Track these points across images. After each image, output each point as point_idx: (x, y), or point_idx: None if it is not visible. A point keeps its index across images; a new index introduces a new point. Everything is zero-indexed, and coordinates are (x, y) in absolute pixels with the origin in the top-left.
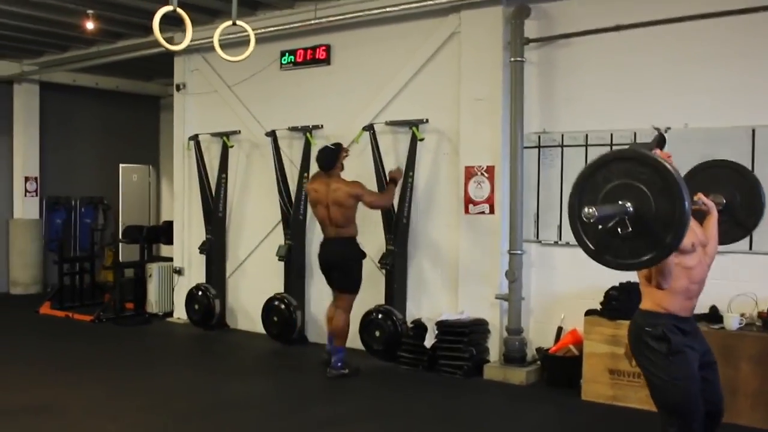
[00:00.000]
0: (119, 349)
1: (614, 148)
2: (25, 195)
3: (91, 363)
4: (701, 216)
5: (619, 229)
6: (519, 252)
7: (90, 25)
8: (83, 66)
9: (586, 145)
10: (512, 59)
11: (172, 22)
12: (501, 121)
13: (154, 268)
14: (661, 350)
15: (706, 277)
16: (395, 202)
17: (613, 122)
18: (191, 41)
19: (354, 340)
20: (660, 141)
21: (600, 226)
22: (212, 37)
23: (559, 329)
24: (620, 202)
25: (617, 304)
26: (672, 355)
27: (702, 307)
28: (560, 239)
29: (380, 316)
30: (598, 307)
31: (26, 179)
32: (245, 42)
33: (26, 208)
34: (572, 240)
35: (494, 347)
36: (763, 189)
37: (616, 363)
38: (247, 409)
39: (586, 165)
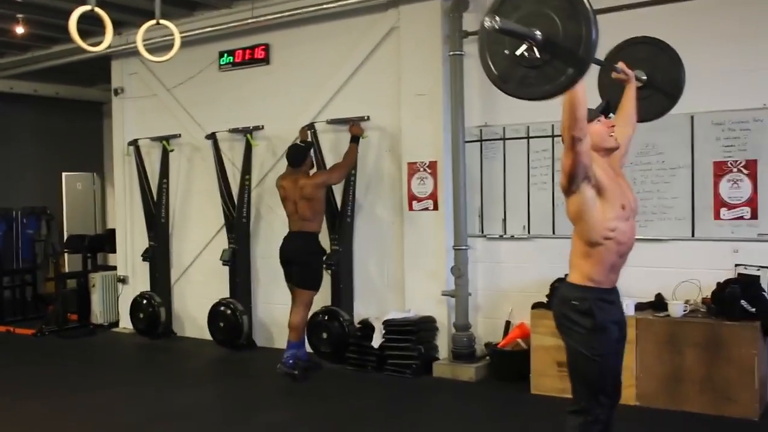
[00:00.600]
0: (60, 364)
1: (556, 139)
2: None
3: (29, 381)
4: (621, 90)
5: (525, 54)
6: (464, 247)
7: (20, 30)
8: (18, 72)
9: (528, 138)
10: (451, 53)
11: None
12: (442, 116)
13: (97, 278)
14: (585, 325)
15: (632, 246)
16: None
17: (554, 113)
18: (128, 44)
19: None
20: (605, 108)
21: (506, 51)
22: (153, 39)
23: (507, 323)
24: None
25: None
26: (595, 332)
27: (647, 294)
28: (505, 233)
29: (326, 317)
30: (545, 299)
31: None
32: (185, 43)
33: None
34: (517, 233)
35: (443, 344)
36: (682, 61)
37: (563, 356)
38: (189, 419)
39: None
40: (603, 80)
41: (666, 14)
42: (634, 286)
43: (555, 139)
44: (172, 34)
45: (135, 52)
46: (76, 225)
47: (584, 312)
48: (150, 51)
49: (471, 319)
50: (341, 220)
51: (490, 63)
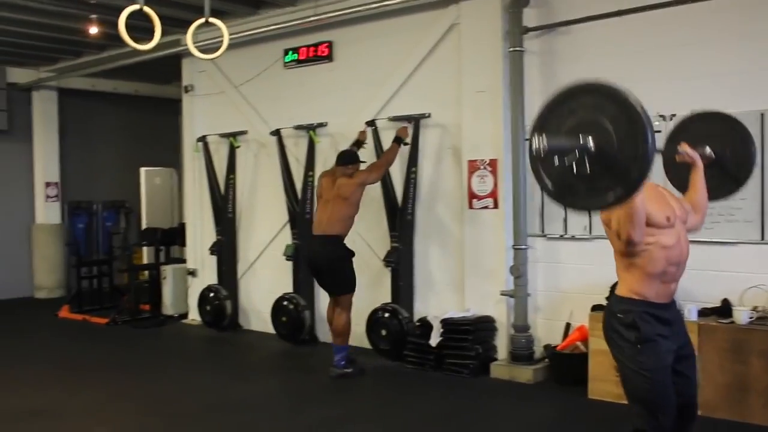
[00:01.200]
0: (128, 352)
1: None
2: (47, 200)
3: (97, 366)
4: (686, 170)
5: (575, 167)
6: (523, 247)
7: (93, 30)
8: (95, 71)
9: None
10: (511, 49)
11: (174, 24)
12: (502, 113)
13: (168, 270)
14: (630, 339)
15: (687, 257)
16: (399, 195)
17: None
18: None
19: (362, 339)
20: None
21: (557, 163)
22: (220, 37)
23: (567, 325)
24: (580, 135)
25: None
26: (641, 343)
27: (713, 299)
28: (566, 233)
29: (386, 314)
30: (605, 302)
31: (47, 185)
32: (251, 41)
33: (48, 213)
34: (579, 233)
35: (502, 345)
36: (753, 140)
37: None
38: (245, 411)
39: (550, 98)
40: (667, 155)
41: (731, 7)
42: (699, 290)
43: None
44: (239, 33)
45: (205, 50)
46: (155, 219)
47: (629, 325)
48: (215, 50)
49: (530, 320)
50: (402, 217)
51: (545, 178)
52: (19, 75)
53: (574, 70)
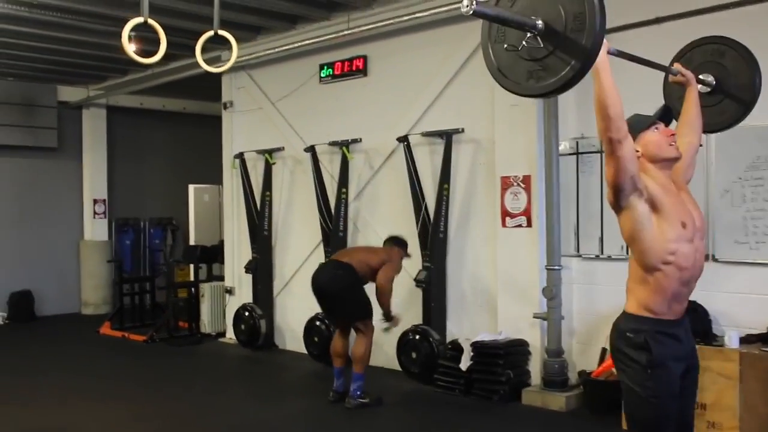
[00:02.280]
0: (159, 371)
1: None
2: (94, 217)
3: (126, 384)
4: (680, 91)
5: (525, 44)
6: (557, 267)
7: (132, 48)
8: (140, 88)
9: None
10: None
11: (218, 41)
12: (536, 127)
13: (206, 288)
14: (641, 361)
15: (700, 275)
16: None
17: None
18: (238, 58)
19: (392, 362)
20: (663, 114)
21: (506, 46)
22: (258, 53)
23: (603, 350)
24: (533, 17)
25: None
26: (652, 368)
27: (758, 325)
28: (602, 253)
29: (416, 336)
30: None
31: (95, 201)
32: (288, 56)
33: (95, 230)
34: (615, 254)
35: (535, 370)
36: (756, 60)
37: None
38: None
39: None
40: (669, 89)
41: None
42: (742, 315)
43: None
44: (274, 49)
45: (243, 67)
46: (203, 236)
47: (639, 346)
48: (256, 65)
49: (564, 345)
50: (433, 236)
51: (491, 54)
52: (69, 93)
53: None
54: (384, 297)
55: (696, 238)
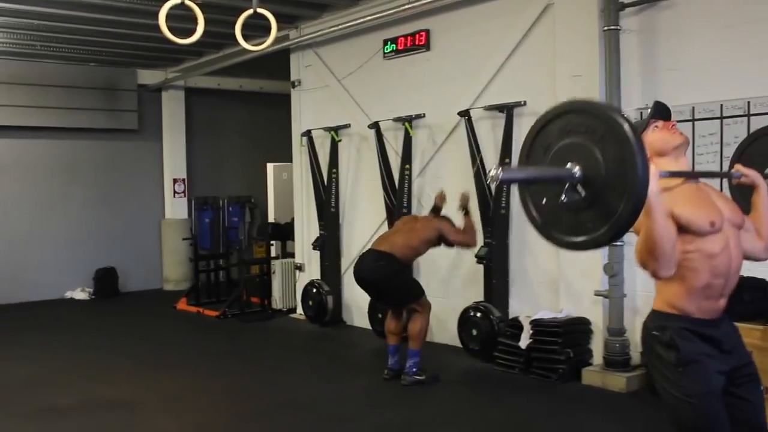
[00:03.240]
0: (225, 346)
1: (725, 121)
2: (174, 196)
3: (190, 359)
4: (746, 191)
5: (564, 199)
6: (619, 243)
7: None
8: (214, 69)
9: (693, 120)
10: (605, 28)
11: (285, 20)
12: (599, 99)
13: (277, 265)
14: (670, 359)
15: (739, 268)
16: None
17: (724, 92)
18: (301, 37)
19: (455, 339)
20: (656, 111)
21: (545, 199)
22: (324, 30)
23: None
24: (568, 165)
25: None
26: (682, 365)
27: None
28: None
29: (477, 314)
30: None
31: (174, 181)
32: (353, 33)
33: (175, 208)
34: None
35: (597, 350)
36: None
37: None
38: (311, 411)
39: (535, 121)
40: (737, 191)
41: None
42: None
43: (723, 121)
44: (342, 25)
45: (310, 44)
46: (282, 214)
47: (666, 344)
48: (323, 43)
49: (627, 323)
50: (495, 212)
51: (533, 210)
52: (148, 77)
53: (677, 49)
54: (467, 238)
55: (726, 226)
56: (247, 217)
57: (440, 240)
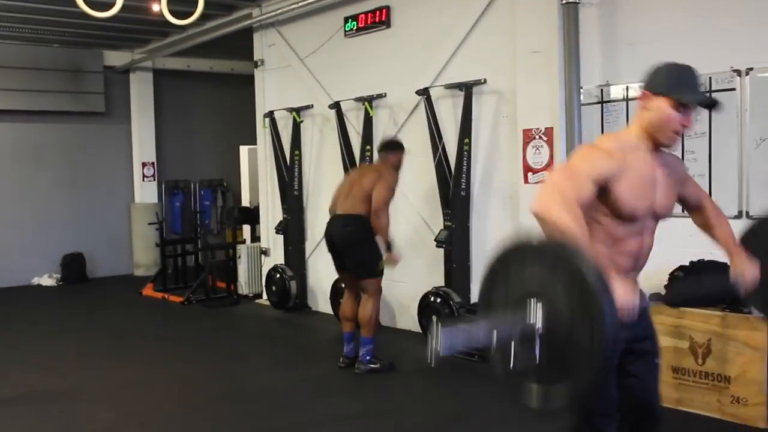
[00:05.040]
0: (184, 332)
1: None
2: (143, 180)
3: (145, 346)
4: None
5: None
6: None
7: (155, 8)
8: (179, 49)
9: None
10: (564, 1)
11: None
12: (558, 76)
13: (243, 250)
14: None
15: (649, 251)
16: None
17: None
18: (262, 15)
19: (417, 324)
20: (709, 103)
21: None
22: (285, 8)
23: None
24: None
25: (682, 287)
26: None
27: None
28: None
29: (437, 299)
30: (663, 290)
31: (143, 165)
32: (315, 11)
33: (145, 192)
34: None
35: None
36: None
37: (679, 359)
38: (259, 401)
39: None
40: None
41: None
42: None
43: None
44: (301, 2)
45: (273, 23)
46: (256, 197)
47: None
48: (285, 21)
49: None
50: (455, 193)
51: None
52: (115, 58)
53: (637, 20)
54: (379, 221)
55: (648, 216)
56: (219, 201)
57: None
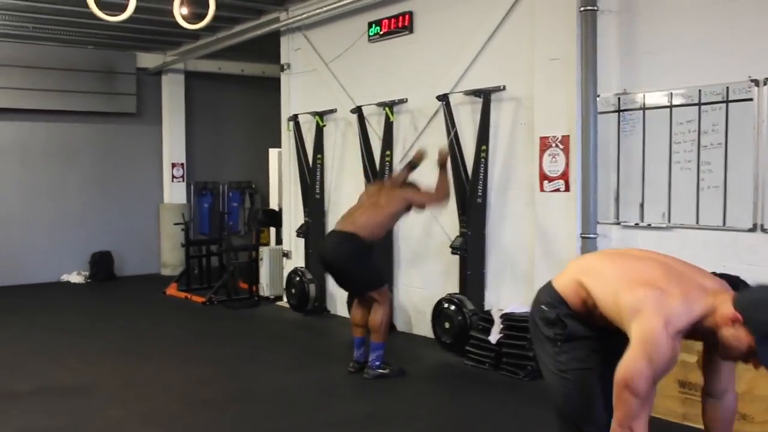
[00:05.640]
0: (202, 333)
1: (702, 108)
2: (173, 181)
3: (161, 346)
4: None
5: None
6: (592, 236)
7: (184, 11)
8: (209, 52)
9: (671, 107)
10: (582, 8)
11: (275, 2)
12: (576, 83)
13: (265, 252)
14: (548, 335)
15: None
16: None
17: (702, 77)
18: (289, 19)
19: (429, 330)
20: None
21: None
22: (311, 12)
23: None
24: None
25: None
26: (564, 341)
27: None
28: (642, 221)
29: (451, 306)
30: None
31: (173, 165)
32: (340, 16)
33: (173, 193)
34: (656, 221)
35: None
36: None
37: (686, 374)
38: (268, 402)
39: None
40: None
41: None
42: None
43: (701, 108)
44: (326, 7)
45: (300, 27)
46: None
47: (549, 321)
48: (312, 26)
49: None
50: (471, 200)
51: None
52: (147, 60)
53: (656, 28)
54: (439, 197)
55: None
56: (247, 203)
57: (409, 208)
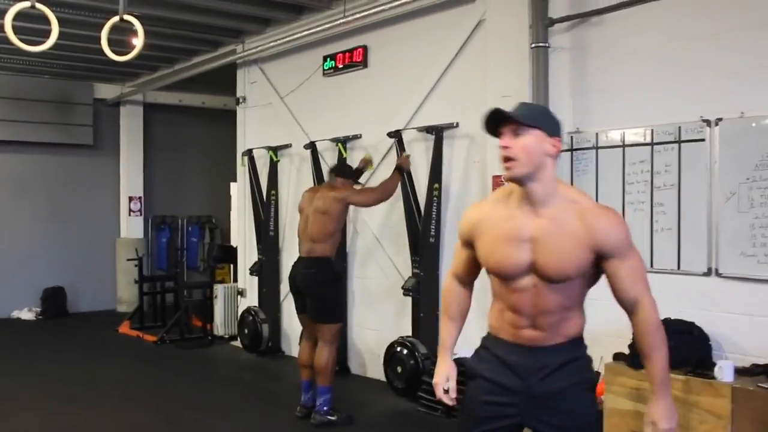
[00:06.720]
0: (147, 375)
1: (655, 148)
2: (129, 214)
3: (101, 389)
4: None
5: None
6: None
7: (135, 41)
8: (167, 83)
9: (623, 146)
10: (533, 45)
11: (231, 35)
12: None
13: (219, 290)
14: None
15: (550, 309)
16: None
17: (655, 116)
18: (245, 52)
19: (383, 373)
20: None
21: None
22: (266, 45)
23: (597, 375)
24: None
25: None
26: (467, 378)
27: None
28: None
29: (403, 350)
30: (627, 349)
31: (130, 199)
32: (295, 49)
33: (130, 227)
34: None
35: None
36: None
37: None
38: None
39: None
40: None
41: None
42: (749, 341)
43: (654, 147)
44: (281, 40)
45: (256, 60)
46: None
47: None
48: (267, 59)
49: None
50: (423, 240)
51: None
52: (104, 90)
53: (608, 67)
54: (379, 195)
55: (527, 277)
56: (206, 238)
57: (348, 207)
